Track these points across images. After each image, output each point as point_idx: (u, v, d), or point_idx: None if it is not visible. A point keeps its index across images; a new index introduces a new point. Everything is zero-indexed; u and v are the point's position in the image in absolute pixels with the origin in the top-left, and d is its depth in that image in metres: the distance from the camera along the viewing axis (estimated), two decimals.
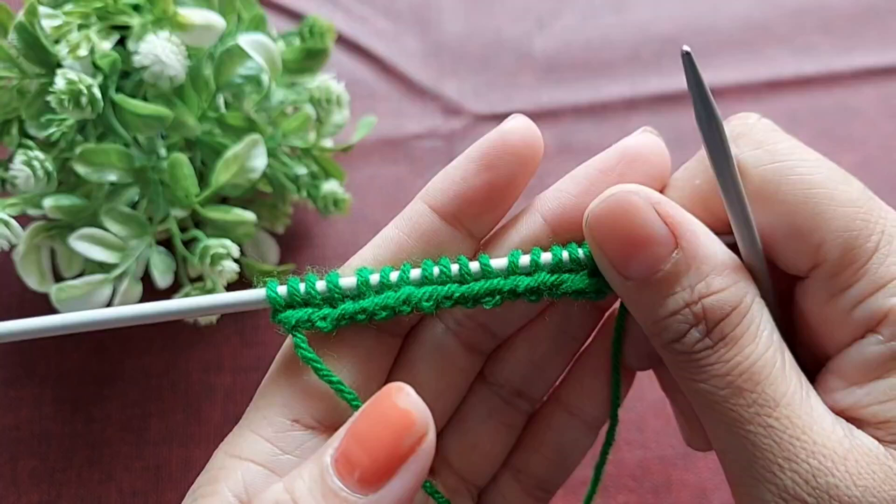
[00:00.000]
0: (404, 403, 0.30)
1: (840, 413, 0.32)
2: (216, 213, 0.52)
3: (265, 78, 0.54)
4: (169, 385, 0.57)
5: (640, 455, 0.55)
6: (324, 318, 0.34)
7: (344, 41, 0.72)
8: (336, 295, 0.34)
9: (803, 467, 0.30)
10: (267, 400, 0.34)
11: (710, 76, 0.72)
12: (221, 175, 0.51)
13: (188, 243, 0.53)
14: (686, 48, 0.30)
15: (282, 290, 0.34)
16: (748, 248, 0.33)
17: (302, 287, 0.34)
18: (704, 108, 0.31)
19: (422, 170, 0.67)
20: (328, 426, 0.34)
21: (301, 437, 0.33)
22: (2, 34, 0.50)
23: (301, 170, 0.58)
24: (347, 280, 0.34)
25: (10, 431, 0.55)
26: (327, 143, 0.59)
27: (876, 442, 0.31)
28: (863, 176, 0.72)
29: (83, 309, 0.50)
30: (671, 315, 0.32)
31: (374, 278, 0.34)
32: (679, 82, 0.71)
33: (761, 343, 0.32)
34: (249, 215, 0.53)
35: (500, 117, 0.71)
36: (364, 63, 0.72)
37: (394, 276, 0.34)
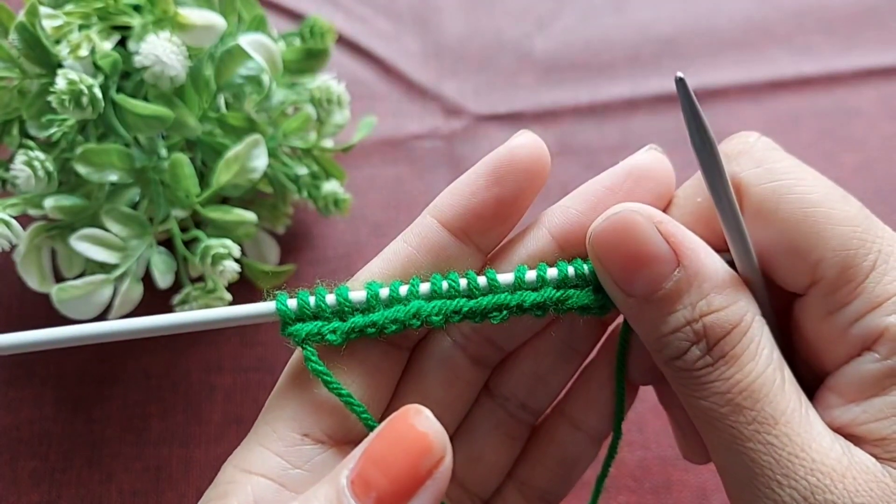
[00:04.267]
0: (422, 426, 0.30)
1: (838, 430, 0.32)
2: (217, 214, 0.52)
3: (266, 78, 0.54)
4: (169, 385, 0.57)
5: (641, 455, 0.55)
6: (334, 332, 0.34)
7: (344, 42, 0.73)
8: (346, 308, 0.34)
9: (802, 484, 0.30)
10: (276, 413, 0.34)
11: (710, 76, 0.72)
12: (222, 175, 0.51)
13: (189, 243, 0.53)
14: (679, 74, 0.30)
15: (292, 303, 0.34)
16: (745, 268, 0.34)
17: (312, 301, 0.34)
18: (699, 133, 0.31)
19: (422, 170, 0.67)
20: (338, 440, 0.34)
21: (311, 451, 0.33)
22: (2, 34, 0.50)
23: (301, 170, 0.58)
24: (357, 294, 0.34)
25: (10, 432, 0.55)
26: (328, 143, 0.59)
27: (873, 459, 0.31)
28: (863, 176, 0.73)
29: (84, 309, 0.50)
30: (672, 332, 0.33)
31: (384, 292, 0.34)
32: None
33: (761, 361, 0.32)
34: (250, 215, 0.53)
35: (500, 118, 0.72)
36: (364, 63, 0.72)
37: (403, 290, 0.34)
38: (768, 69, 0.72)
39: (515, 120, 0.70)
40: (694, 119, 0.31)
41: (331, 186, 0.59)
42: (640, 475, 0.54)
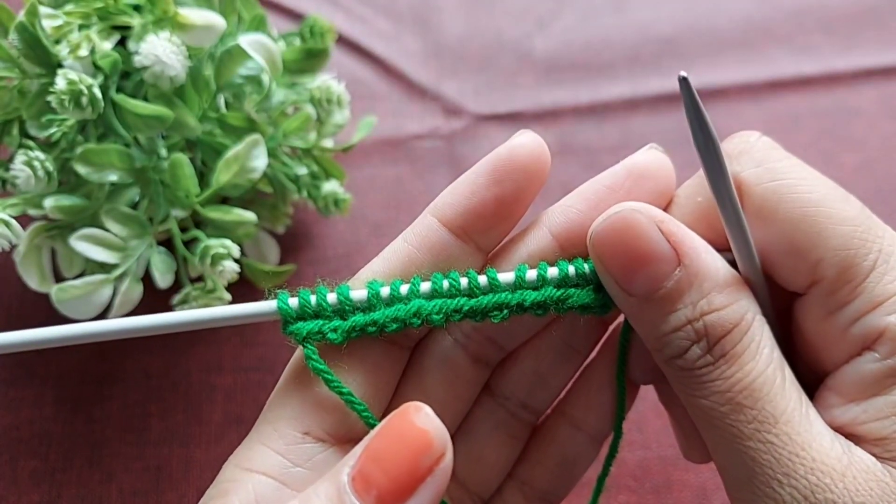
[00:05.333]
0: (423, 423, 0.30)
1: (838, 429, 0.32)
2: (217, 214, 0.52)
3: (266, 78, 0.54)
4: (169, 385, 0.57)
5: (641, 455, 0.55)
6: (335, 330, 0.34)
7: (344, 41, 0.73)
8: (347, 307, 0.34)
9: (802, 483, 0.30)
10: (277, 412, 0.34)
11: (711, 76, 0.72)
12: (222, 175, 0.51)
13: (189, 243, 0.53)
14: (683, 74, 0.30)
15: (293, 302, 0.34)
16: (747, 267, 0.34)
17: (313, 299, 0.34)
18: (703, 132, 0.31)
19: (422, 170, 0.67)
20: (339, 438, 0.34)
21: (312, 449, 0.33)
22: (2, 34, 0.50)
23: (301, 170, 0.58)
24: (358, 292, 0.34)
25: (10, 431, 0.55)
26: (328, 143, 0.59)
27: (873, 458, 0.31)
28: (863, 176, 0.73)
29: (84, 309, 0.50)
30: (673, 331, 0.33)
31: (385, 291, 0.34)
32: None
33: (762, 360, 0.32)
34: (250, 215, 0.53)
35: (500, 118, 0.72)
36: (364, 63, 0.72)
37: (404, 289, 0.34)
38: (768, 69, 0.72)
39: (515, 120, 0.70)
40: (697, 118, 0.31)
41: (331, 186, 0.59)
42: (640, 475, 0.54)
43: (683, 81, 0.30)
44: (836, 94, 0.71)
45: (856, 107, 0.70)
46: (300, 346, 0.34)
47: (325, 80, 0.57)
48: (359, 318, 0.34)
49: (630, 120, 0.70)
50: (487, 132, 0.69)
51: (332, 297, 0.34)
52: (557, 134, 0.69)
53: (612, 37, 0.74)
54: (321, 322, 0.34)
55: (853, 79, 0.72)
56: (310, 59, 0.58)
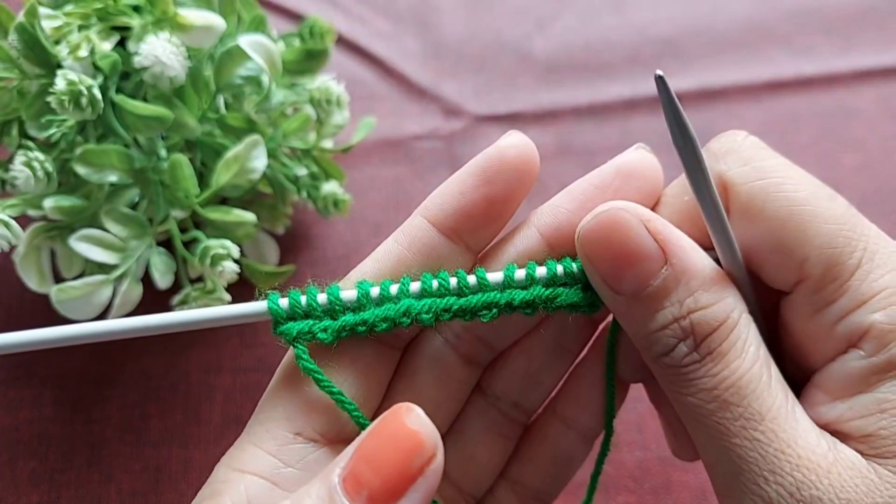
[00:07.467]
0: (414, 424, 0.30)
1: (824, 426, 0.33)
2: (216, 214, 0.52)
3: (265, 79, 0.54)
4: (168, 386, 0.57)
5: (640, 456, 0.55)
6: (325, 330, 0.34)
7: (344, 42, 0.73)
8: (337, 307, 0.34)
9: (788, 480, 0.30)
10: (268, 413, 0.34)
11: (710, 77, 0.72)
12: (222, 176, 0.51)
13: (188, 244, 0.53)
14: (659, 72, 0.30)
15: (283, 302, 0.34)
16: (729, 264, 0.34)
17: (303, 299, 0.34)
18: (680, 130, 0.32)
19: (421, 170, 0.67)
20: (330, 439, 0.34)
21: (303, 449, 0.34)
22: (2, 35, 0.50)
23: (301, 170, 0.58)
24: (348, 292, 0.34)
25: (9, 432, 0.55)
26: (327, 143, 0.59)
27: (859, 455, 0.31)
28: (863, 177, 0.73)
29: (83, 309, 0.50)
30: (660, 329, 0.33)
31: (375, 291, 0.34)
32: (679, 83, 0.71)
33: (748, 358, 0.32)
34: (250, 216, 0.53)
35: (500, 118, 0.72)
36: (364, 64, 0.72)
37: (393, 288, 0.34)
38: (768, 69, 0.72)
39: (515, 120, 0.70)
40: (674, 116, 0.31)
41: (330, 187, 0.59)
42: (639, 476, 0.54)
43: (660, 80, 0.30)
44: (835, 94, 0.71)
45: (856, 107, 0.70)
46: (292, 348, 0.34)
47: (324, 81, 0.57)
48: (349, 318, 0.34)
49: (629, 120, 0.70)
50: (487, 133, 0.69)
51: (322, 297, 0.34)
52: (556, 134, 0.69)
53: (611, 37, 0.74)
54: (311, 322, 0.34)
55: (853, 79, 0.72)
56: (309, 59, 0.58)
